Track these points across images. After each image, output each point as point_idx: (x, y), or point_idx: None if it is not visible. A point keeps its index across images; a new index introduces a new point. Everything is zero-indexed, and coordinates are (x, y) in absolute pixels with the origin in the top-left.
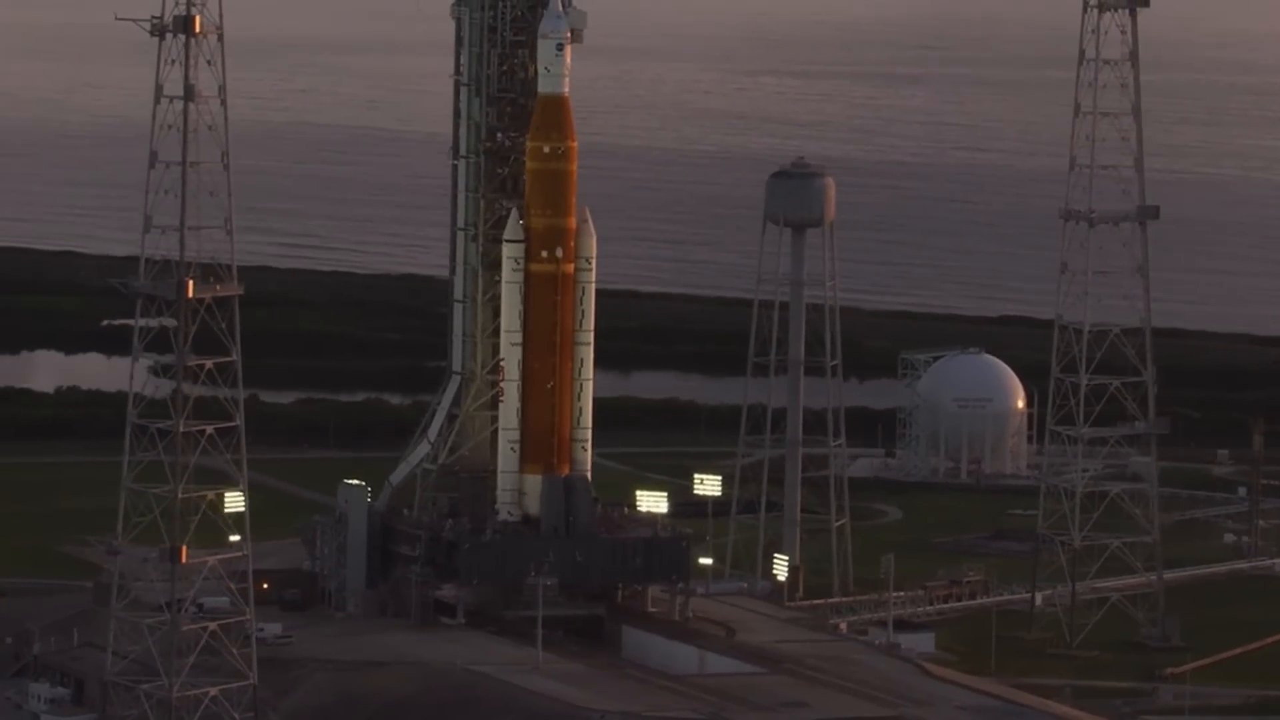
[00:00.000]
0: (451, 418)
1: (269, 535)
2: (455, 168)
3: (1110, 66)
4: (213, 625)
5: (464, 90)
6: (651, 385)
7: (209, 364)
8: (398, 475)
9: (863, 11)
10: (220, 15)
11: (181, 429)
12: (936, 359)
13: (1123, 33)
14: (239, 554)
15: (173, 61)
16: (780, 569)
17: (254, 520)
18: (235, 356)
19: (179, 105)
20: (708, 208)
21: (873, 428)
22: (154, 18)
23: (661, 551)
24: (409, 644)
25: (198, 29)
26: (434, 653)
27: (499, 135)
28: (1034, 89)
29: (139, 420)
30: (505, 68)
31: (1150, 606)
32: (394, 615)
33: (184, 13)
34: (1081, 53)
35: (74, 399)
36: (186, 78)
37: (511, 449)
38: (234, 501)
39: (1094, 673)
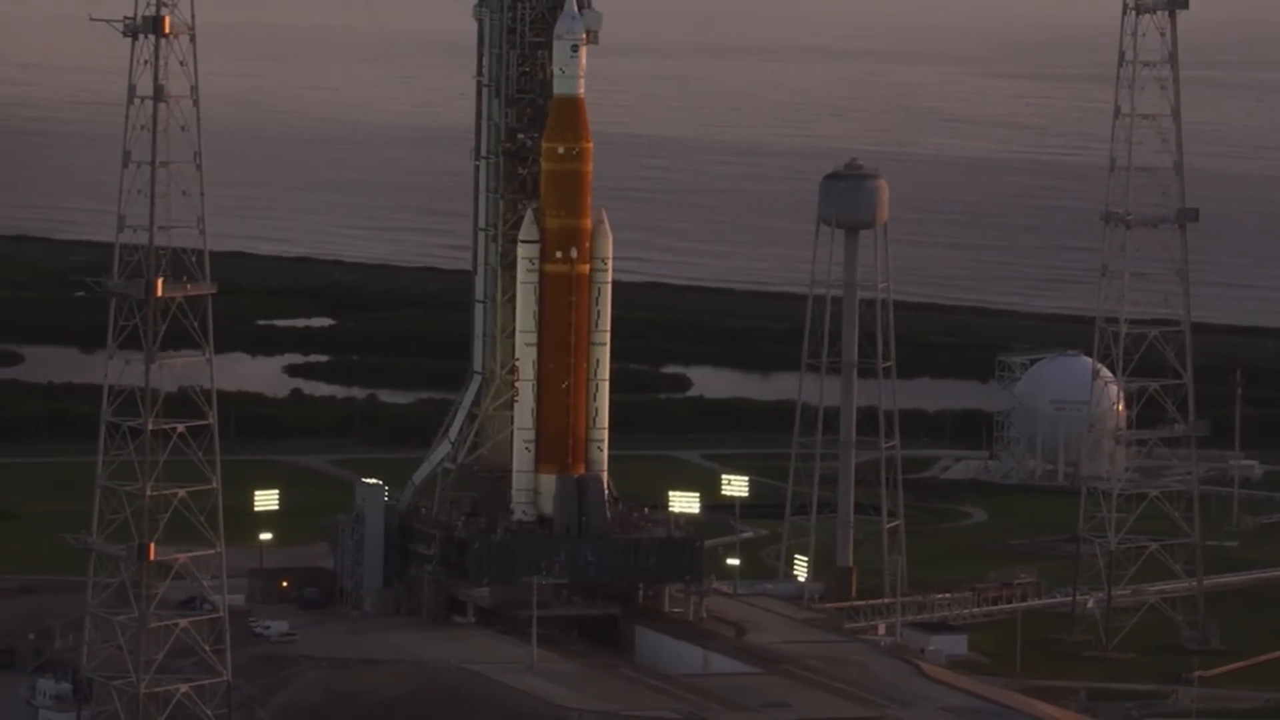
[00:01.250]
0: (473, 418)
1: None
2: (476, 168)
3: (1151, 68)
4: (183, 622)
5: (485, 91)
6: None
7: (180, 363)
8: (420, 474)
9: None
10: (193, 16)
11: (150, 427)
12: (1034, 361)
13: (1162, 35)
14: (212, 551)
15: (145, 63)
16: (800, 570)
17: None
18: (208, 355)
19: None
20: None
21: (978, 430)
22: (126, 18)
23: (674, 552)
24: (412, 643)
25: (167, 29)
26: (434, 651)
27: (519, 136)
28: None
29: (112, 419)
30: (525, 69)
31: (1191, 609)
32: (408, 614)
33: (154, 13)
34: (1121, 55)
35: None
36: (156, 78)
37: (526, 449)
38: (266, 500)
39: (1123, 675)
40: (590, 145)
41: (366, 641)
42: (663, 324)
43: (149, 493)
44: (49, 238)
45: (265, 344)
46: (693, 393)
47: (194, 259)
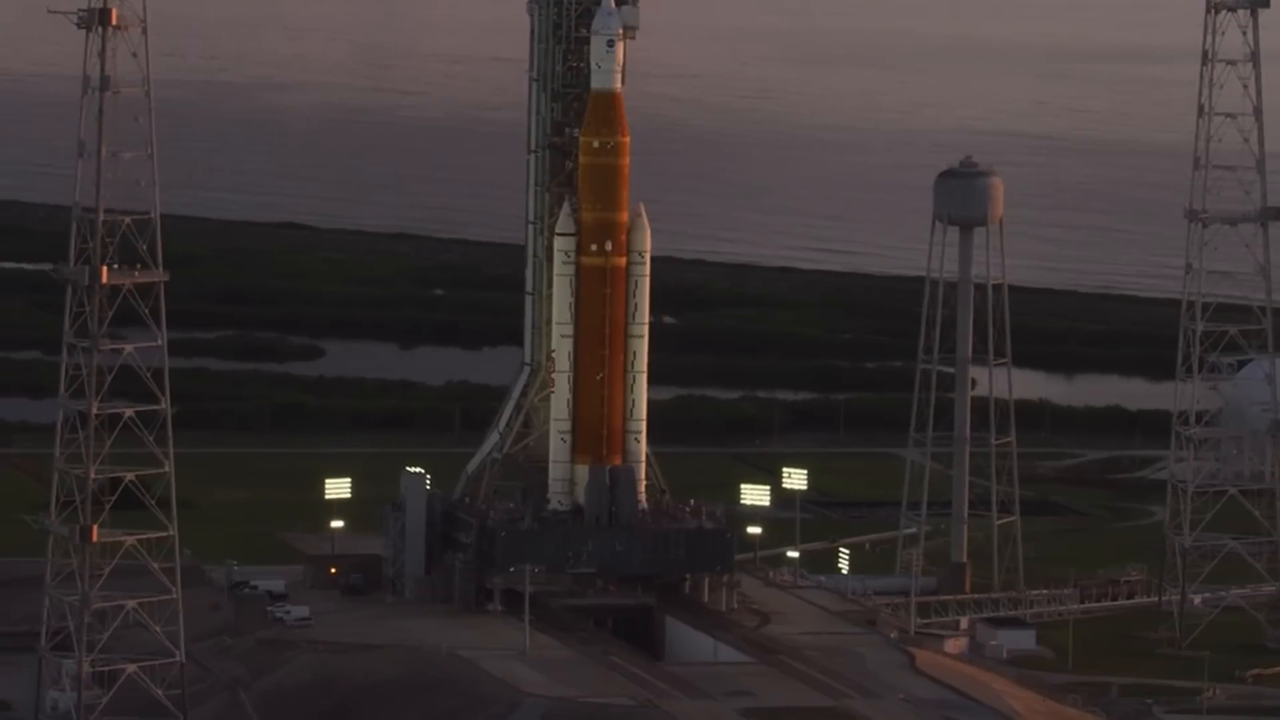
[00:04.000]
0: (521, 408)
1: None
2: (528, 162)
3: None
4: (132, 603)
5: (533, 85)
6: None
7: (128, 348)
8: (473, 464)
9: None
10: (144, 8)
11: (95, 410)
12: (1243, 363)
13: (1244, 33)
14: (165, 534)
15: (99, 53)
16: (843, 563)
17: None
18: (161, 341)
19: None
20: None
21: None
22: (81, 11)
23: (704, 543)
24: (425, 629)
25: (114, 21)
26: (441, 638)
27: (566, 130)
28: None
29: (68, 402)
30: (571, 63)
31: (1273, 608)
32: (442, 601)
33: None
34: (1204, 52)
35: (455, 393)
36: (102, 69)
37: (562, 440)
38: (338, 488)
39: (1180, 673)
40: (626, 140)
41: (382, 627)
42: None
43: (94, 475)
44: (427, 235)
45: None
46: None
47: (145, 247)
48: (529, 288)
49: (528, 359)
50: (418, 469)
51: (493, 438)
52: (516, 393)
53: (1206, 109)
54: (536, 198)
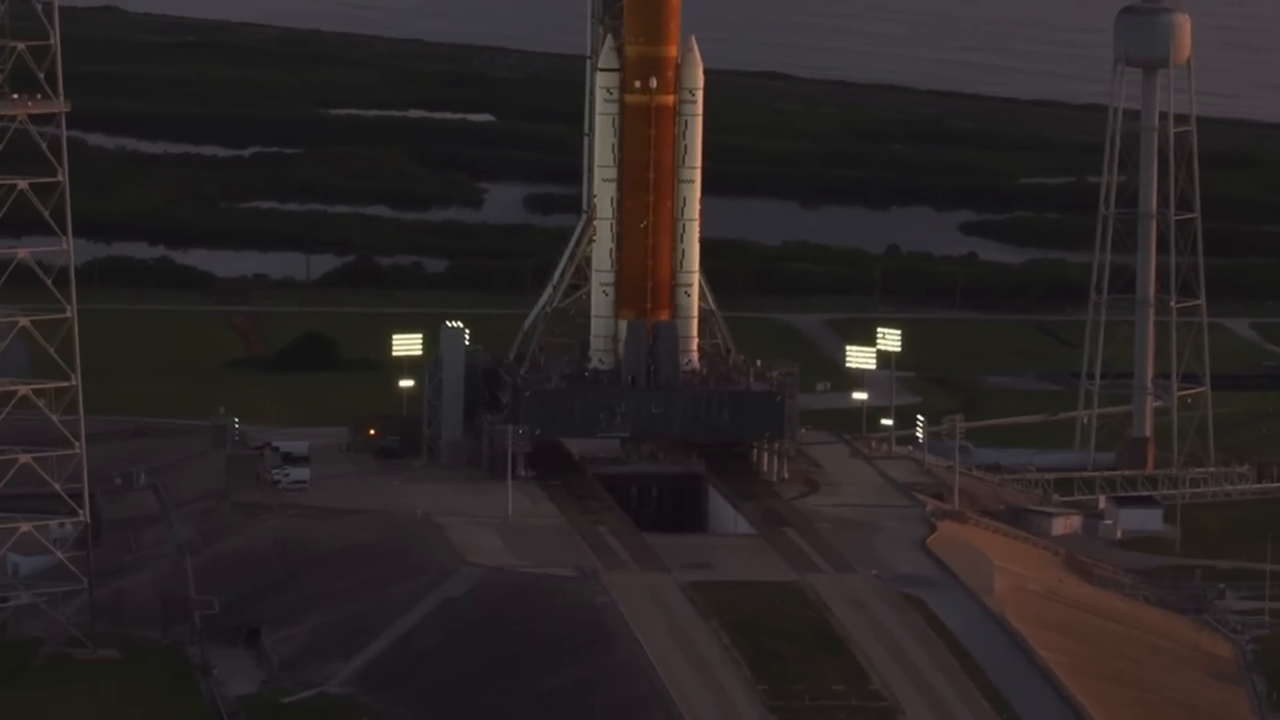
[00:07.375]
0: (574, 259)
1: None
2: None
3: None
4: (25, 457)
5: None
6: None
7: (22, 184)
8: (530, 320)
9: None
10: None
11: None
12: None
13: None
14: (68, 384)
15: None
16: (919, 433)
17: None
18: (62, 178)
19: None
20: None
21: None
22: None
23: (752, 407)
24: (422, 494)
25: None
26: (432, 503)
27: None
28: None
29: None
30: None
31: None
32: (472, 465)
33: None
34: None
35: (793, 253)
36: None
37: (604, 293)
38: (407, 345)
39: None
40: None
41: (379, 491)
42: None
43: None
44: (909, 86)
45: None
46: None
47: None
48: (586, 128)
49: (585, 206)
50: (457, 323)
51: (548, 291)
52: (572, 243)
53: None
54: (593, 31)
